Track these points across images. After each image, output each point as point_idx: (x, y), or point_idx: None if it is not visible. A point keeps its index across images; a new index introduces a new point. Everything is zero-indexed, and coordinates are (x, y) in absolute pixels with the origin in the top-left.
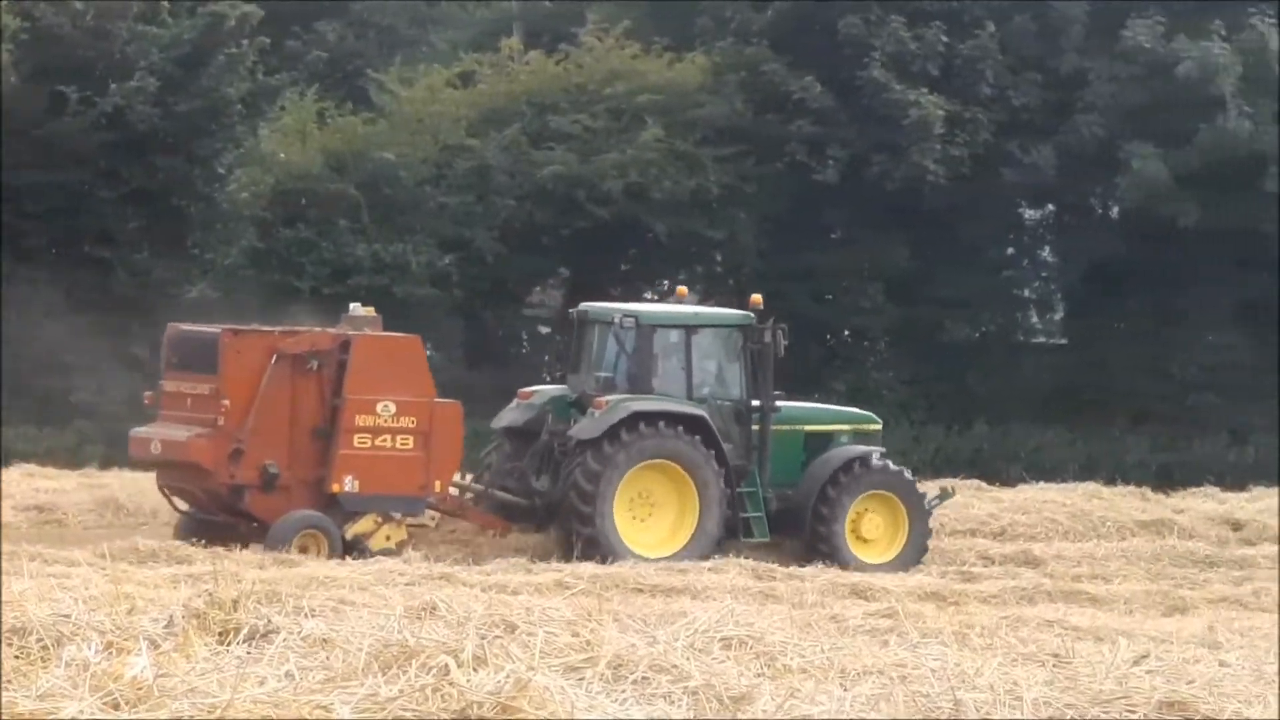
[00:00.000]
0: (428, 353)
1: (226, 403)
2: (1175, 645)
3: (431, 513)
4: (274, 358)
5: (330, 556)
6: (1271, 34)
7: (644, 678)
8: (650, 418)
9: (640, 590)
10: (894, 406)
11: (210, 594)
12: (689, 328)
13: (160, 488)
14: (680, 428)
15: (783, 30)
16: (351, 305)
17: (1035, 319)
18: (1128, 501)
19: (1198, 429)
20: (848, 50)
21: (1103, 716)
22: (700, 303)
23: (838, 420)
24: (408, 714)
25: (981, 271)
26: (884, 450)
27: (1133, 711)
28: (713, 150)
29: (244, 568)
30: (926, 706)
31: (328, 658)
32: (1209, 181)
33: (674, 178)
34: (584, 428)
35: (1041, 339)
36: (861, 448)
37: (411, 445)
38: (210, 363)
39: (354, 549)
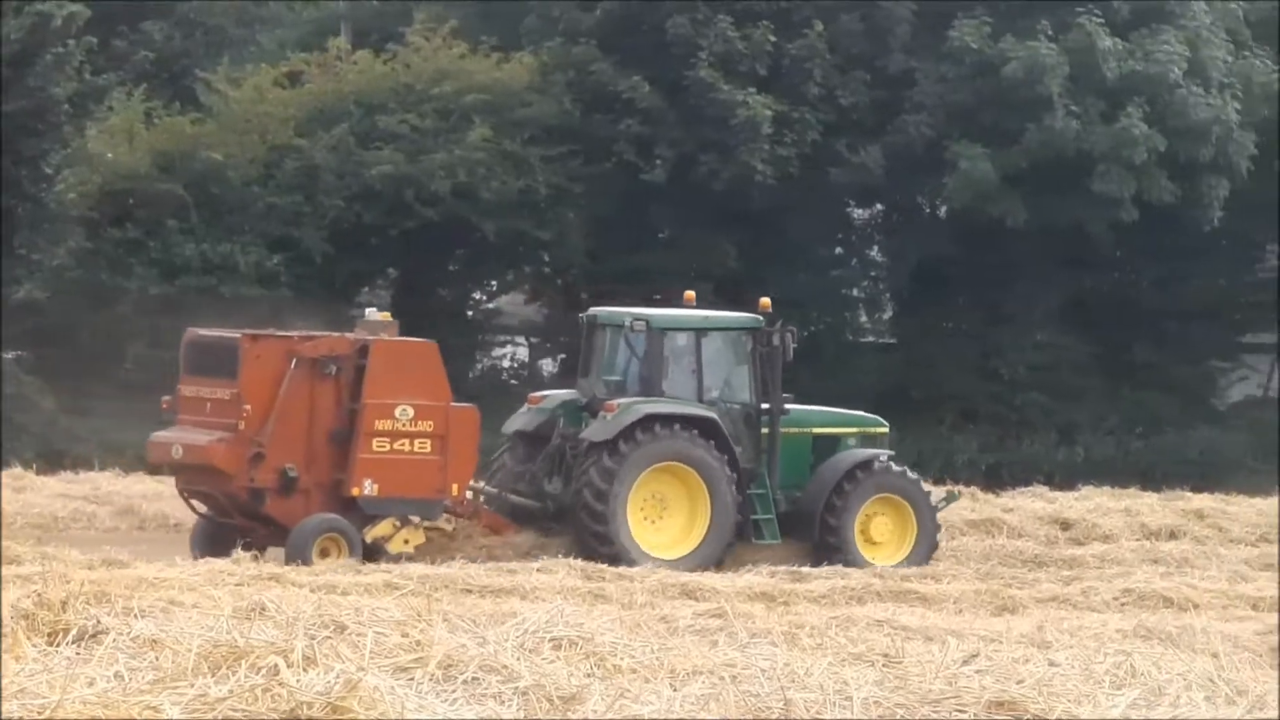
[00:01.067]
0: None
1: (248, 407)
2: (1005, 645)
3: (448, 515)
4: (293, 362)
5: (351, 559)
6: (1098, 34)
7: (474, 678)
8: (662, 420)
9: (470, 590)
10: None
11: (39, 595)
12: (699, 331)
13: (179, 491)
14: (692, 430)
15: (610, 30)
16: (367, 310)
17: (864, 318)
18: (959, 501)
19: (1026, 428)
20: (675, 50)
21: (932, 716)
22: (527, 302)
23: (845, 423)
24: (237, 714)
25: (810, 271)
26: (892, 453)
27: (962, 711)
28: (540, 150)
29: (72, 568)
30: (756, 706)
31: (157, 658)
32: (1036, 181)
33: (502, 178)
34: (596, 430)
35: (870, 338)
36: (869, 451)
37: (429, 449)
38: (230, 367)
39: (374, 552)
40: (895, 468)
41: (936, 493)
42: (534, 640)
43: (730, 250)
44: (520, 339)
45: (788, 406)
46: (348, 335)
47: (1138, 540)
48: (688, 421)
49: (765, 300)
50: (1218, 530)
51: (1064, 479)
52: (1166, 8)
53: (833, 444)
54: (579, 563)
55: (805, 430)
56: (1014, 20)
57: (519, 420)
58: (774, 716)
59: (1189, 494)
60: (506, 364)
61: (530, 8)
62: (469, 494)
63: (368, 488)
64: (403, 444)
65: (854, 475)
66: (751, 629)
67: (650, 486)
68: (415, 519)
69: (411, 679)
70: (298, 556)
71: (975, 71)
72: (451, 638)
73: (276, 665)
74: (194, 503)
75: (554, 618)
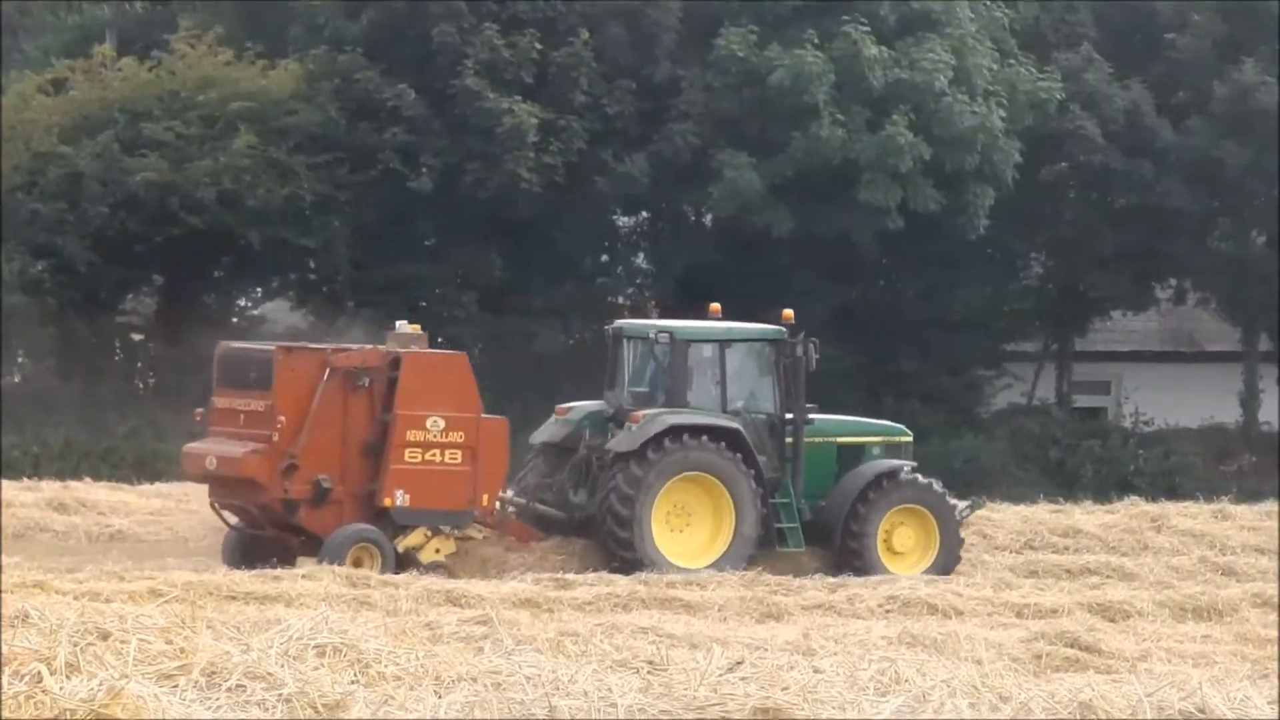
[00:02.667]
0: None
1: (282, 419)
2: (770, 652)
3: (477, 525)
4: (325, 375)
5: (384, 570)
6: (864, 42)
7: (238, 685)
8: (686, 431)
9: (234, 598)
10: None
11: None
12: (723, 343)
13: (212, 503)
14: (716, 441)
15: (376, 38)
16: (398, 323)
17: None
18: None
19: None
20: (442, 58)
21: None
22: (292, 310)
23: (870, 433)
24: None
25: (575, 280)
26: (915, 464)
27: (727, 718)
28: (306, 158)
29: None
30: (521, 714)
31: None
32: (802, 190)
33: (267, 185)
34: (621, 441)
35: None
36: (893, 462)
37: (460, 460)
38: (264, 380)
39: (406, 562)
40: (919, 479)
41: (959, 503)
42: (298, 647)
43: (496, 259)
44: None
45: (812, 416)
46: (380, 348)
47: None
48: (712, 432)
49: (788, 312)
50: (982, 537)
51: None
52: (932, 16)
53: (857, 453)
54: (344, 569)
55: (830, 440)
56: (780, 29)
57: (546, 431)
58: None
59: (955, 500)
60: None
61: (296, 15)
62: (497, 504)
63: (399, 498)
64: (434, 455)
65: (878, 485)
66: (517, 636)
67: (675, 496)
68: (446, 528)
69: (175, 686)
70: (331, 564)
71: (741, 80)
72: (215, 645)
73: (39, 672)
74: (225, 514)
75: (318, 625)
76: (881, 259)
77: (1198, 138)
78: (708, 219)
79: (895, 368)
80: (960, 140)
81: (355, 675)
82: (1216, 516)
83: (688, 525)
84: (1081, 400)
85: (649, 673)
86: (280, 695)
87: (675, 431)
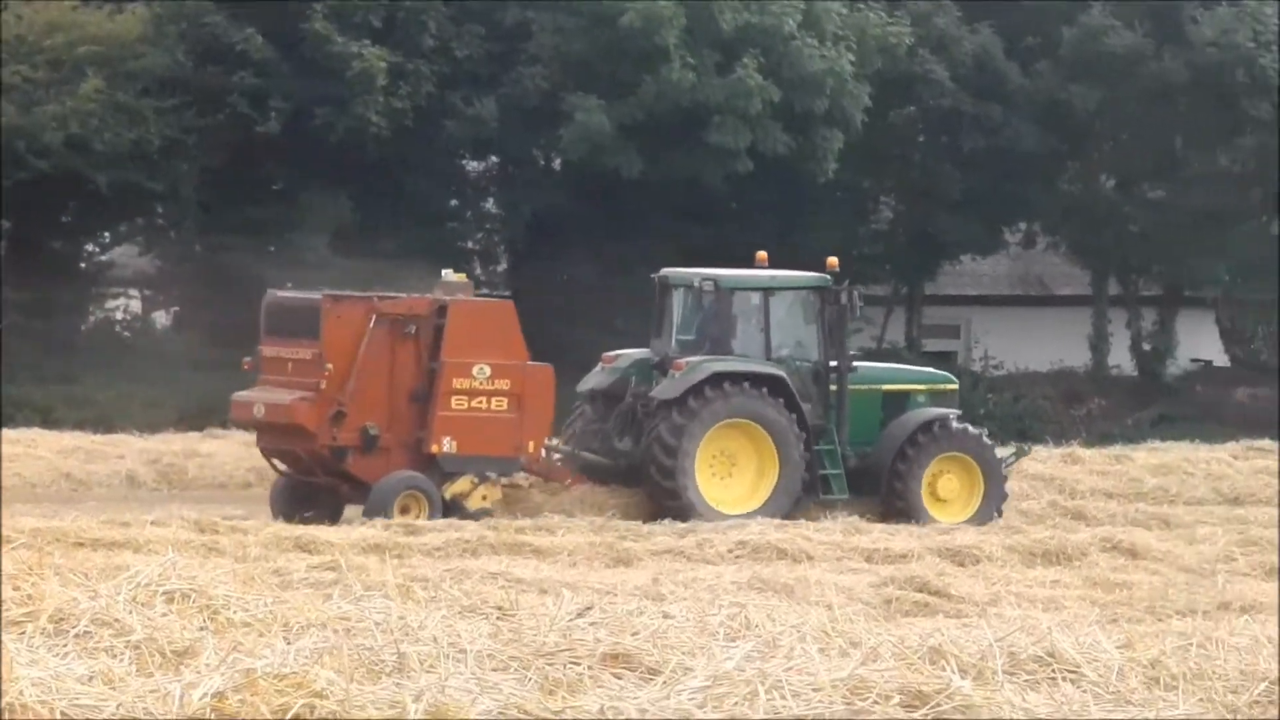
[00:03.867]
0: None
1: (330, 366)
2: (619, 597)
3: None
4: (372, 323)
5: (431, 516)
6: None
7: (86, 631)
8: (730, 378)
9: (81, 544)
10: None
11: None
12: (767, 290)
13: (261, 450)
14: (760, 388)
15: None
16: (444, 271)
17: (479, 270)
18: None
19: None
20: (290, 3)
21: (547, 669)
22: (140, 255)
23: (915, 380)
24: None
25: (425, 224)
26: (960, 412)
27: (576, 664)
28: (154, 102)
29: None
30: (370, 659)
31: None
32: (652, 133)
33: (115, 129)
34: (665, 388)
35: (485, 291)
36: (939, 410)
37: (506, 407)
38: (312, 328)
39: (454, 508)
40: (965, 427)
41: (1004, 451)
42: (146, 594)
43: (346, 203)
44: (133, 291)
45: (857, 364)
46: (426, 296)
47: None
48: (756, 379)
49: (833, 260)
50: None
51: None
52: None
53: (902, 401)
54: (192, 514)
55: (875, 387)
56: None
57: (593, 379)
58: (388, 670)
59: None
60: (120, 316)
61: None
62: (544, 451)
63: (447, 445)
64: (480, 402)
65: (924, 432)
66: (365, 582)
67: (719, 443)
68: (493, 475)
69: (23, 633)
70: (379, 513)
71: (591, 23)
72: (63, 591)
73: None
74: (275, 461)
75: (166, 571)
76: (731, 202)
77: (1046, 81)
78: (557, 163)
79: None
80: (809, 84)
81: (204, 621)
82: (1066, 460)
83: (731, 472)
84: (931, 344)
85: (498, 618)
86: (128, 641)
87: (718, 379)
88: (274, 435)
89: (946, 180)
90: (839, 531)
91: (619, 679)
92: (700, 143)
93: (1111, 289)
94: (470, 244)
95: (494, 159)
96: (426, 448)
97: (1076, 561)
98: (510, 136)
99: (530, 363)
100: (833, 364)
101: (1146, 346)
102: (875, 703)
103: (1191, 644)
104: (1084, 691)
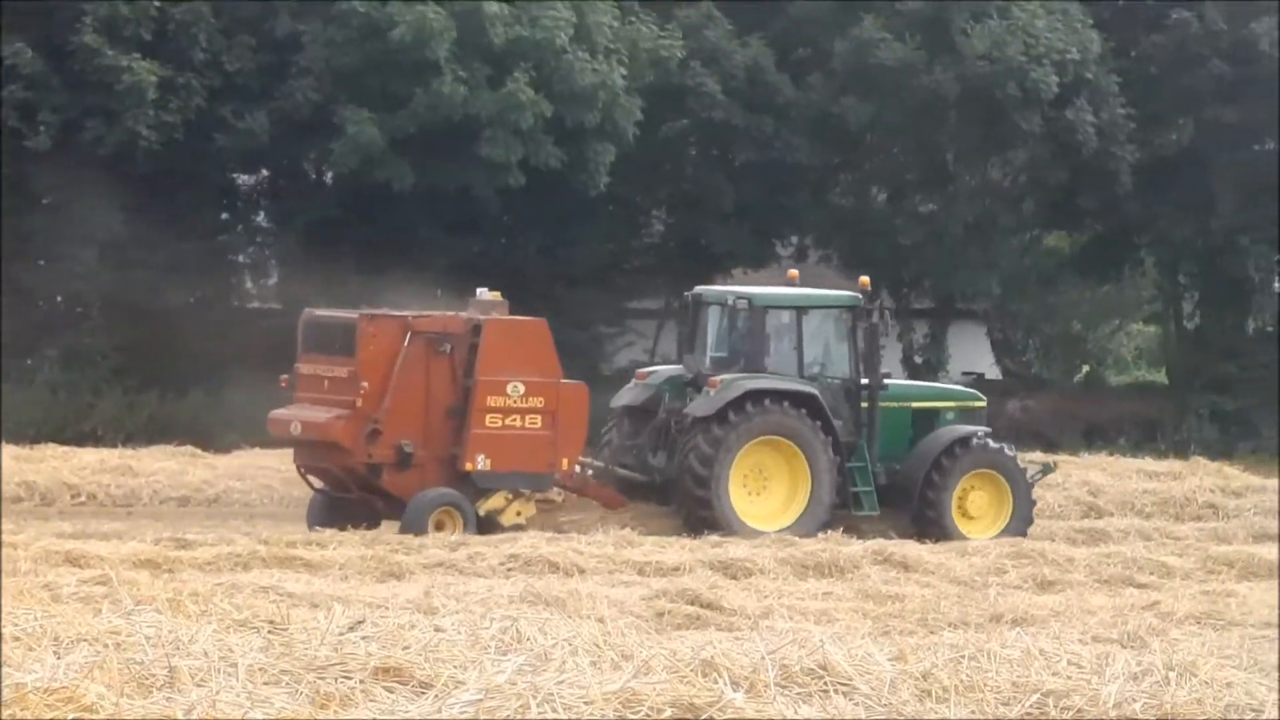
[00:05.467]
0: None
1: (365, 384)
2: (391, 611)
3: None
4: (407, 340)
5: (466, 532)
6: (488, 3)
7: None
8: (764, 395)
9: None
10: (108, 374)
11: None
12: (800, 309)
13: (297, 467)
14: (792, 405)
15: None
16: (479, 290)
17: (250, 284)
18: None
19: None
20: (60, 15)
21: (318, 682)
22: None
23: (944, 398)
24: None
25: (195, 237)
26: (989, 429)
27: (348, 677)
28: None
29: None
30: (141, 674)
31: None
32: (424, 146)
33: None
34: (700, 405)
35: (256, 304)
36: (968, 427)
37: (540, 424)
38: (348, 346)
39: (488, 524)
40: (992, 444)
41: (1031, 467)
42: None
43: (117, 216)
44: None
45: (886, 382)
46: (461, 314)
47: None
48: (789, 397)
49: (865, 279)
50: None
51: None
52: None
53: (931, 418)
54: None
55: (904, 404)
56: None
57: (626, 395)
58: (159, 684)
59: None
60: None
61: None
62: (578, 468)
63: (481, 462)
64: (515, 419)
65: (953, 450)
66: (136, 596)
67: (752, 460)
68: (527, 491)
69: None
70: (414, 528)
71: (363, 35)
72: None
73: None
74: (311, 478)
75: None
76: (503, 215)
77: (818, 94)
78: (328, 176)
79: None
80: (581, 97)
81: None
82: None
83: (764, 488)
84: None
85: (270, 632)
86: None
87: (754, 396)
88: (310, 452)
89: (718, 193)
90: (611, 544)
91: (391, 693)
92: (471, 156)
93: (886, 302)
94: (241, 257)
95: (265, 172)
96: (461, 464)
97: (848, 574)
98: (281, 149)
99: (564, 380)
100: (864, 381)
101: (918, 359)
102: (647, 716)
103: (963, 656)
104: (856, 704)
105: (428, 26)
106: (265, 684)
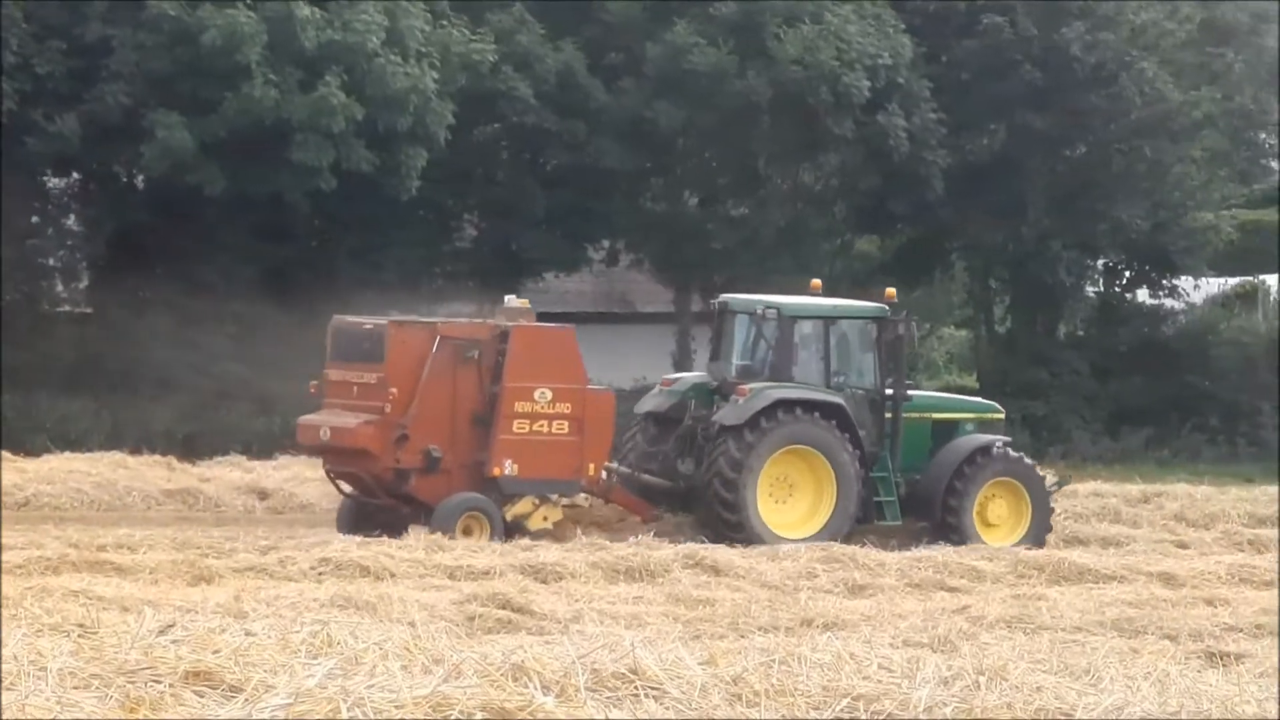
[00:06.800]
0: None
1: (394, 391)
2: (201, 615)
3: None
4: (435, 347)
5: (492, 538)
6: (297, 4)
7: None
8: (791, 405)
9: None
10: None
11: None
12: (827, 319)
13: (326, 472)
14: (819, 415)
15: None
16: (507, 297)
17: (60, 288)
18: (154, 471)
19: (225, 398)
20: None
21: (128, 686)
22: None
23: (964, 409)
24: None
25: (5, 241)
26: (1009, 439)
27: (158, 681)
28: None
29: None
30: None
31: None
32: (234, 150)
33: None
34: (728, 413)
35: (67, 308)
36: (987, 436)
37: (566, 430)
38: (377, 353)
39: (515, 529)
40: (1011, 453)
41: (1049, 478)
42: None
43: None
44: None
45: (909, 393)
46: (488, 321)
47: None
48: (816, 406)
49: (891, 290)
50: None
51: (262, 449)
52: None
53: (951, 429)
54: None
55: (925, 415)
56: None
57: (650, 401)
58: None
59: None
60: None
61: None
62: (603, 474)
63: (508, 468)
64: (541, 426)
65: (974, 460)
66: None
67: (779, 468)
68: (553, 497)
69: None
70: (442, 533)
71: (173, 40)
72: None
73: None
74: (340, 483)
75: None
76: (314, 219)
77: (630, 98)
78: (140, 179)
79: (328, 328)
80: (393, 101)
81: None
82: None
83: (790, 497)
84: None
85: (80, 636)
86: None
87: (781, 405)
88: (339, 457)
89: (530, 197)
90: (421, 549)
91: (201, 696)
92: (283, 160)
93: (695, 305)
94: (52, 261)
95: (76, 176)
96: (488, 470)
97: (659, 578)
98: (92, 153)
99: (590, 387)
100: (888, 392)
101: None
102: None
103: (774, 660)
104: (667, 708)
105: (238, 31)
106: (75, 688)
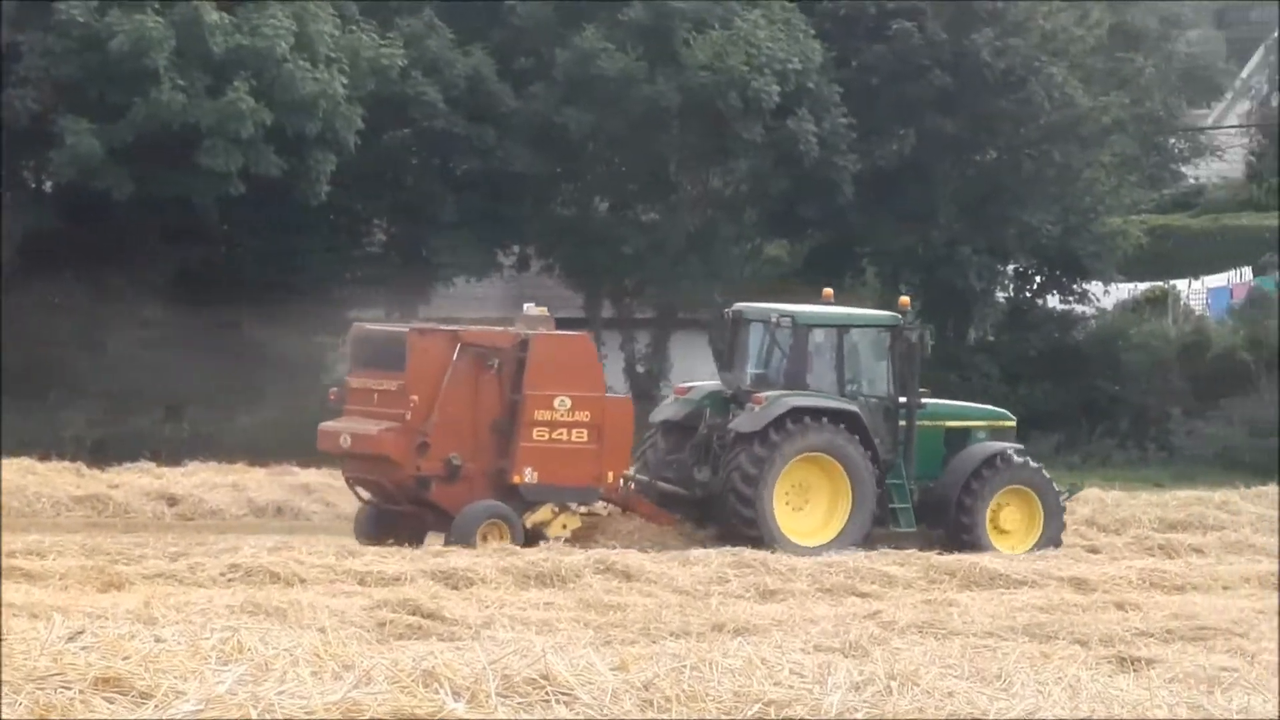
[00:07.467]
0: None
1: (414, 398)
2: (111, 621)
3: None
4: (456, 355)
5: (513, 544)
6: (205, 9)
7: None
8: (808, 413)
9: None
10: None
11: None
12: (841, 328)
13: (346, 479)
14: (835, 423)
15: None
16: (526, 305)
17: None
18: (63, 477)
19: (133, 404)
20: None
21: (38, 694)
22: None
23: (976, 417)
24: None
25: None
26: (1021, 447)
27: (68, 688)
28: None
29: None
30: None
31: None
32: (144, 155)
33: None
34: (744, 421)
35: None
36: (1000, 444)
37: (586, 438)
38: (397, 360)
39: (535, 537)
40: (1025, 461)
41: (1060, 487)
42: None
43: None
44: None
45: (923, 401)
46: (508, 330)
47: (246, 515)
48: (832, 414)
49: (905, 299)
50: (325, 505)
51: (171, 455)
52: None
53: (963, 437)
54: None
55: (938, 423)
56: None
57: (666, 410)
58: None
59: (295, 469)
60: None
61: None
62: (622, 481)
63: (528, 475)
64: (561, 434)
65: (988, 466)
66: None
67: (795, 476)
68: (573, 505)
69: None
70: (462, 540)
71: (82, 45)
72: None
73: None
74: (359, 490)
75: None
76: (223, 224)
77: (540, 103)
78: (48, 185)
79: (239, 333)
80: (302, 106)
81: None
82: None
83: (806, 504)
84: None
85: None
86: None
87: (797, 413)
88: (359, 465)
89: (439, 202)
90: (331, 554)
91: (111, 703)
92: (191, 165)
93: (606, 311)
94: None
95: None
96: (508, 478)
97: (570, 583)
98: (2, 158)
99: (609, 395)
100: (902, 400)
101: (640, 369)
102: None
103: (685, 665)
104: (578, 714)
105: (146, 36)
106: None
